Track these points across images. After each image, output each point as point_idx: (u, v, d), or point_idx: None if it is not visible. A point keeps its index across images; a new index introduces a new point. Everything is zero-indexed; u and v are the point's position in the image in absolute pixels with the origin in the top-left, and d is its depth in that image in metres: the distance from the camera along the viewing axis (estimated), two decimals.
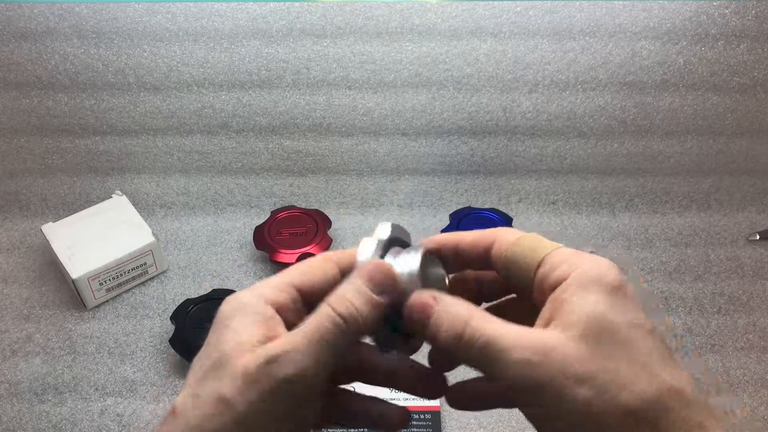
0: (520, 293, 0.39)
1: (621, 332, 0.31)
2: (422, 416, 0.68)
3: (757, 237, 0.79)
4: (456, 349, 0.33)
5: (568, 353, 0.30)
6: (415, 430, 0.68)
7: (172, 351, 0.73)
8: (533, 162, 0.91)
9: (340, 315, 0.33)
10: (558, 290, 0.32)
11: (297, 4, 0.84)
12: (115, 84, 0.87)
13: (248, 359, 0.32)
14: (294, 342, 0.32)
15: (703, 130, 0.90)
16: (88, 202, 0.88)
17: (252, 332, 0.33)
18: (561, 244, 0.35)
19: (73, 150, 0.90)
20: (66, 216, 0.84)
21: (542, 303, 0.33)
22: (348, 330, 0.33)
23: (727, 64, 0.87)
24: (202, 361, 0.34)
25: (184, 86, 0.87)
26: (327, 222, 0.87)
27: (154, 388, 0.72)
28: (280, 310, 0.34)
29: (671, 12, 0.84)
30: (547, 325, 0.32)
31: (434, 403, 0.69)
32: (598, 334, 0.30)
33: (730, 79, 0.88)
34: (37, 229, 0.85)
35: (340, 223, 0.89)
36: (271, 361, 0.32)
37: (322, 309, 0.33)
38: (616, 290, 0.32)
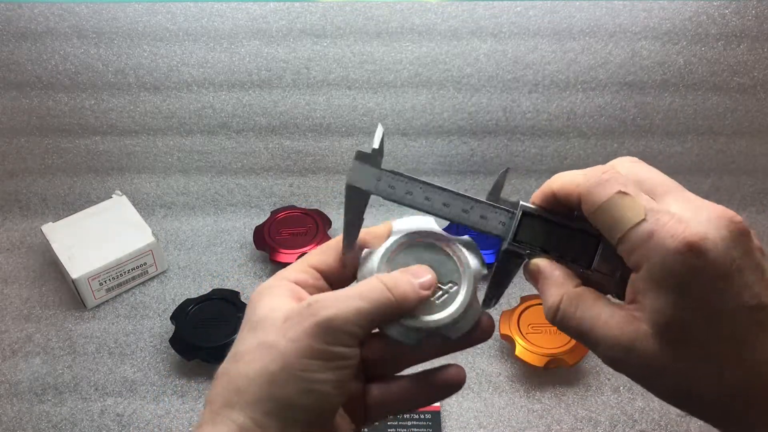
0: None
1: (692, 331, 0.31)
2: (422, 416, 0.69)
3: None
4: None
5: (645, 352, 0.32)
6: (415, 430, 0.68)
7: (172, 351, 0.73)
8: (533, 162, 0.91)
9: (387, 286, 0.35)
10: (634, 277, 0.33)
11: (297, 4, 0.84)
12: (115, 84, 0.87)
13: (289, 309, 0.34)
14: (335, 293, 0.35)
15: (703, 130, 0.90)
16: (88, 202, 0.88)
17: (283, 300, 0.36)
18: (643, 214, 0.32)
19: (73, 150, 0.90)
20: (66, 216, 0.84)
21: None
22: (392, 301, 0.35)
23: (727, 64, 0.87)
24: (239, 335, 0.36)
25: (184, 86, 0.87)
26: (327, 222, 0.87)
27: (154, 388, 0.72)
28: (302, 286, 0.37)
29: (671, 12, 0.84)
30: (632, 302, 0.33)
31: (434, 403, 0.69)
32: (669, 334, 0.32)
33: (730, 79, 0.88)
34: (37, 229, 0.85)
35: (340, 222, 0.89)
36: (313, 303, 0.34)
37: (370, 278, 0.36)
38: (689, 283, 0.31)
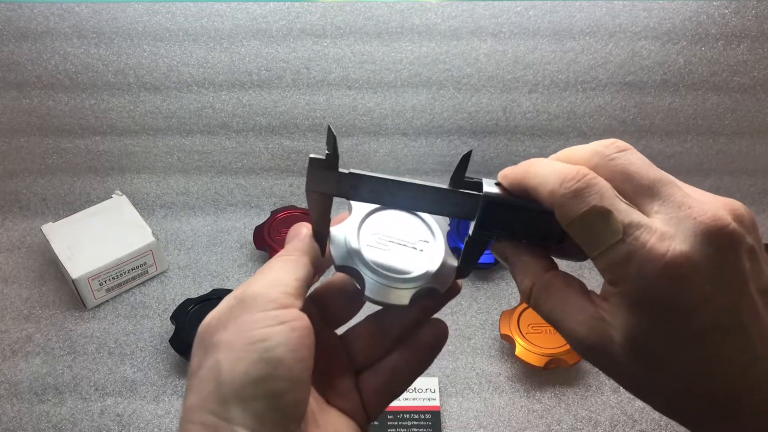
0: None
1: (663, 350, 0.31)
2: (422, 416, 0.68)
3: None
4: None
5: (610, 357, 0.32)
6: (415, 430, 0.68)
7: (172, 351, 0.73)
8: None
9: (289, 249, 0.37)
10: (607, 290, 0.32)
11: (297, 4, 0.84)
12: (115, 84, 0.87)
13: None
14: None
15: (703, 130, 0.90)
16: (88, 202, 0.88)
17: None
18: (620, 233, 0.31)
19: (73, 150, 0.90)
20: (66, 216, 0.84)
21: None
22: (298, 248, 0.36)
23: (727, 64, 0.87)
24: None
25: (184, 86, 0.87)
26: None
27: (154, 388, 0.72)
28: None
29: (671, 12, 0.84)
30: (604, 299, 0.32)
31: (434, 403, 0.69)
32: (638, 351, 0.31)
33: (730, 79, 0.88)
34: (37, 229, 0.85)
35: None
36: (237, 295, 0.34)
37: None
38: (665, 308, 0.30)
